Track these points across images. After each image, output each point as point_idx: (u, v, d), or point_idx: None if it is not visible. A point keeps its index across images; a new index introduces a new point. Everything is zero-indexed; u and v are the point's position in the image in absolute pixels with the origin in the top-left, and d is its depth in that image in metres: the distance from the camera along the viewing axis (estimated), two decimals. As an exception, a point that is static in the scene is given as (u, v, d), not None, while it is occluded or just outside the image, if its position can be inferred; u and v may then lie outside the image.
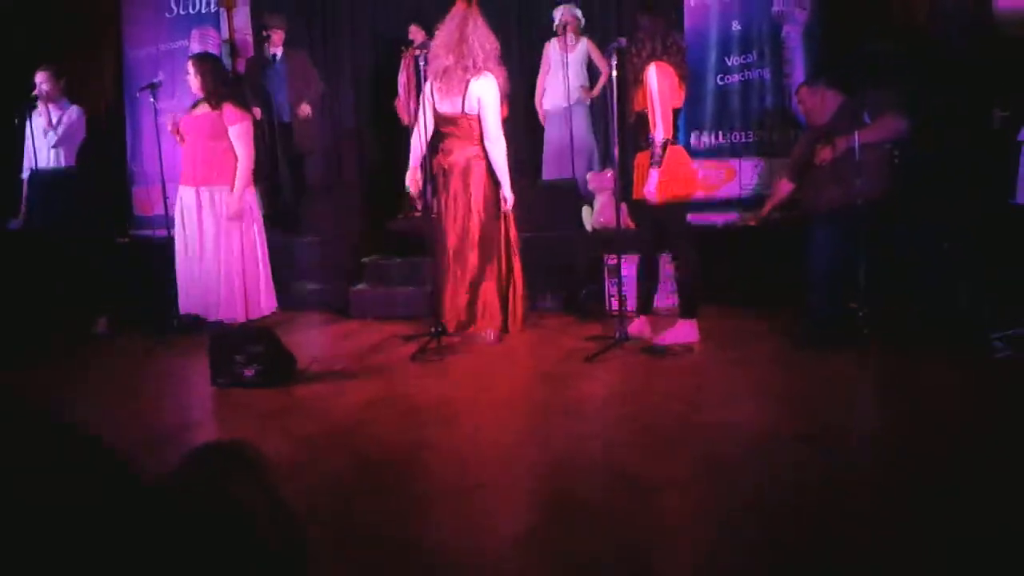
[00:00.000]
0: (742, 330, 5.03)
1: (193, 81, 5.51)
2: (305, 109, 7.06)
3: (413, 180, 5.14)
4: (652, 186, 4.49)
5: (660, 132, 4.46)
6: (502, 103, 5.20)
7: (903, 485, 2.72)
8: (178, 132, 5.50)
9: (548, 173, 7.24)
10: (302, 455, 3.28)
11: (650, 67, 4.50)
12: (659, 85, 4.46)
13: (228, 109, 5.53)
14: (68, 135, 5.84)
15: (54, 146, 5.79)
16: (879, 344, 4.36)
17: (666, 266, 5.28)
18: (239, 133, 5.53)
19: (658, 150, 4.47)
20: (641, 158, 4.66)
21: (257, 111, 6.99)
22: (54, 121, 5.78)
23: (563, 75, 6.99)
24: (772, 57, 6.06)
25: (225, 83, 5.64)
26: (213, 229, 5.48)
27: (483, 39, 4.94)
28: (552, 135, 7.21)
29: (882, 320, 4.49)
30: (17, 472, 0.64)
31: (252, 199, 5.71)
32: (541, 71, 7.33)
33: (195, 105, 5.61)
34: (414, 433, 3.52)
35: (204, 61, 5.63)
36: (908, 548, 2.25)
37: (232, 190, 5.51)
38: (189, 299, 5.50)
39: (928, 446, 3.06)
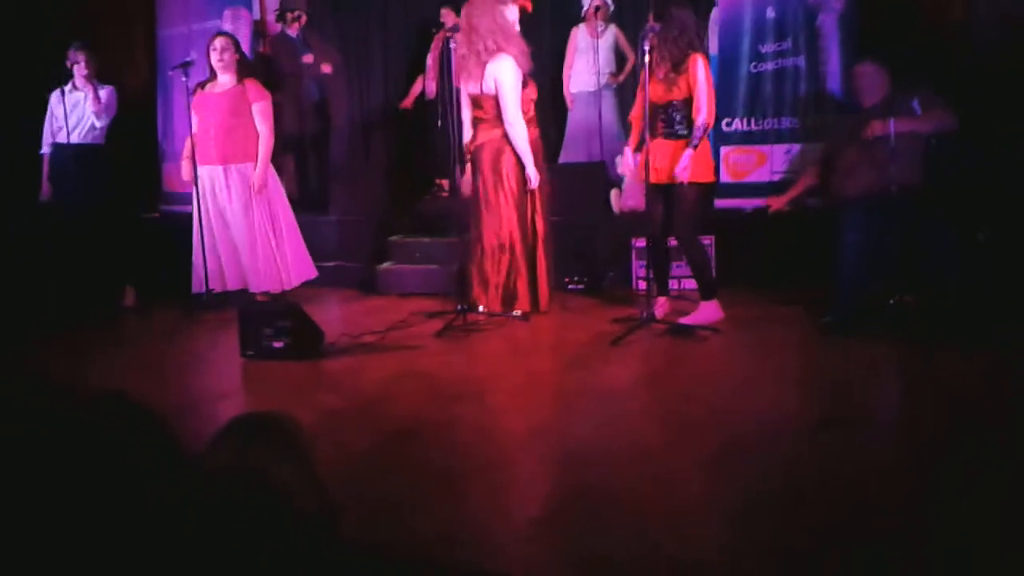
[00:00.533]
0: (769, 315, 5.00)
1: (223, 56, 5.48)
2: (326, 67, 7.23)
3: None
4: (685, 165, 4.60)
5: (704, 116, 4.64)
6: (528, 83, 5.20)
7: (926, 475, 2.70)
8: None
9: (566, 156, 7.28)
10: (327, 428, 3.31)
11: (697, 58, 4.67)
12: (706, 74, 4.67)
13: (252, 86, 5.56)
14: (109, 115, 5.93)
15: (101, 126, 5.87)
16: (908, 333, 4.33)
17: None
18: (263, 110, 5.55)
19: (699, 132, 4.64)
20: (659, 144, 4.74)
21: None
22: (102, 99, 5.84)
23: (592, 60, 7.07)
24: (807, 45, 5.99)
25: (246, 60, 5.68)
26: (239, 205, 5.51)
27: (492, 22, 4.95)
28: (577, 118, 7.31)
29: (913, 309, 4.45)
30: (71, 441, 0.66)
31: (273, 174, 5.73)
32: (568, 56, 7.35)
33: (206, 82, 5.56)
34: (437, 410, 3.54)
35: (232, 37, 5.68)
36: (928, 539, 2.25)
37: (255, 166, 5.53)
38: (217, 274, 5.53)
39: (951, 438, 3.03)
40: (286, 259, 5.64)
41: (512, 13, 5.06)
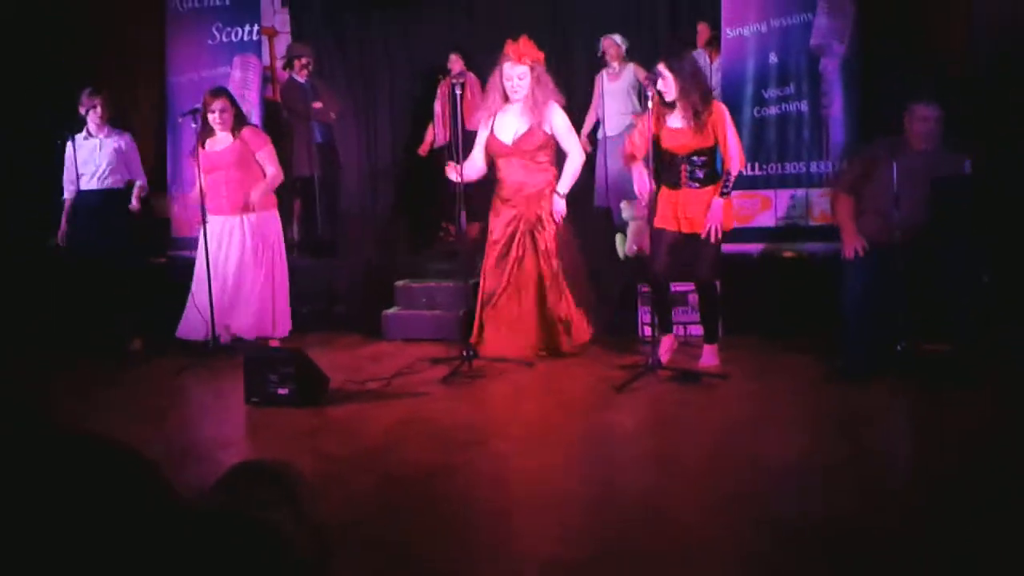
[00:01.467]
0: (776, 361, 4.98)
1: (221, 116, 5.52)
2: (332, 113, 7.29)
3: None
4: (718, 214, 4.62)
5: (736, 164, 4.64)
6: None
7: (936, 520, 2.67)
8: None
9: (598, 200, 7.30)
10: (331, 475, 3.29)
11: (721, 106, 4.71)
12: (732, 121, 4.69)
13: (249, 135, 5.63)
14: (132, 161, 6.01)
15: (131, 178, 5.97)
16: (916, 379, 4.29)
17: (690, 296, 5.32)
18: (267, 155, 5.65)
19: (731, 181, 4.65)
20: (688, 195, 4.73)
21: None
22: (123, 147, 5.94)
23: (609, 103, 7.15)
24: (810, 90, 6.04)
25: (241, 113, 5.75)
26: (250, 254, 5.57)
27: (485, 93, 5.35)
28: (599, 164, 7.30)
29: (921, 355, 4.42)
30: (61, 488, 0.65)
31: (276, 223, 5.78)
32: (592, 102, 7.42)
33: (203, 138, 5.57)
34: (442, 456, 3.52)
35: (228, 95, 5.73)
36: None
37: (269, 215, 5.63)
38: (223, 320, 5.54)
39: (960, 482, 3.00)
40: (280, 310, 5.70)
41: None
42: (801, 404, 4.21)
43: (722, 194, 4.64)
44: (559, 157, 5.37)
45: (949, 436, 3.57)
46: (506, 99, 5.22)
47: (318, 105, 7.21)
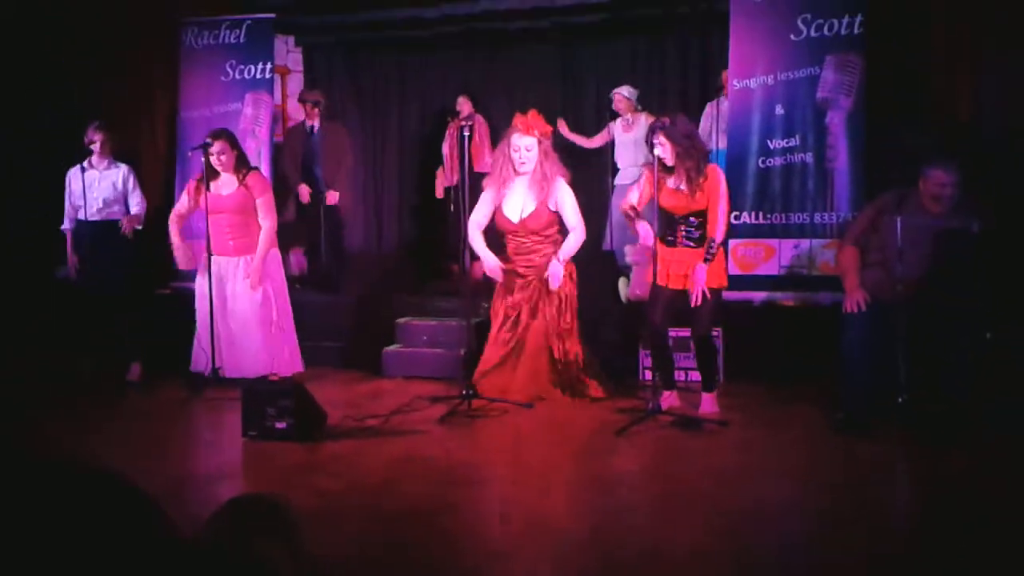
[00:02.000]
0: (776, 409, 4.96)
1: (220, 158, 5.56)
2: (333, 196, 7.24)
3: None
4: (702, 278, 4.62)
5: (720, 233, 4.67)
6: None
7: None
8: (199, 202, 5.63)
9: (607, 244, 7.38)
10: (327, 511, 3.27)
11: (717, 170, 4.74)
12: (725, 187, 4.71)
13: (253, 181, 5.69)
14: (130, 193, 6.05)
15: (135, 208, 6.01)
16: (916, 433, 4.27)
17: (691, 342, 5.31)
18: (265, 203, 5.71)
19: (714, 248, 4.65)
20: (681, 253, 4.78)
21: (303, 189, 7.25)
22: (130, 185, 6.00)
23: (623, 153, 7.30)
24: (815, 142, 6.09)
25: (243, 155, 5.79)
26: (249, 293, 5.62)
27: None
28: (613, 207, 7.39)
29: (921, 408, 4.39)
30: (56, 520, 0.65)
31: (277, 262, 5.83)
32: (600, 132, 7.55)
33: (208, 179, 5.59)
34: (438, 496, 3.50)
35: (231, 136, 5.77)
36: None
37: (270, 255, 5.70)
38: (223, 356, 5.55)
39: (952, 539, 2.97)
40: (282, 349, 5.72)
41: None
42: (800, 454, 4.18)
43: (705, 260, 4.65)
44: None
45: (946, 492, 3.54)
46: (514, 171, 5.26)
47: (332, 199, 7.21)
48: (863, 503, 3.42)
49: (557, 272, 5.22)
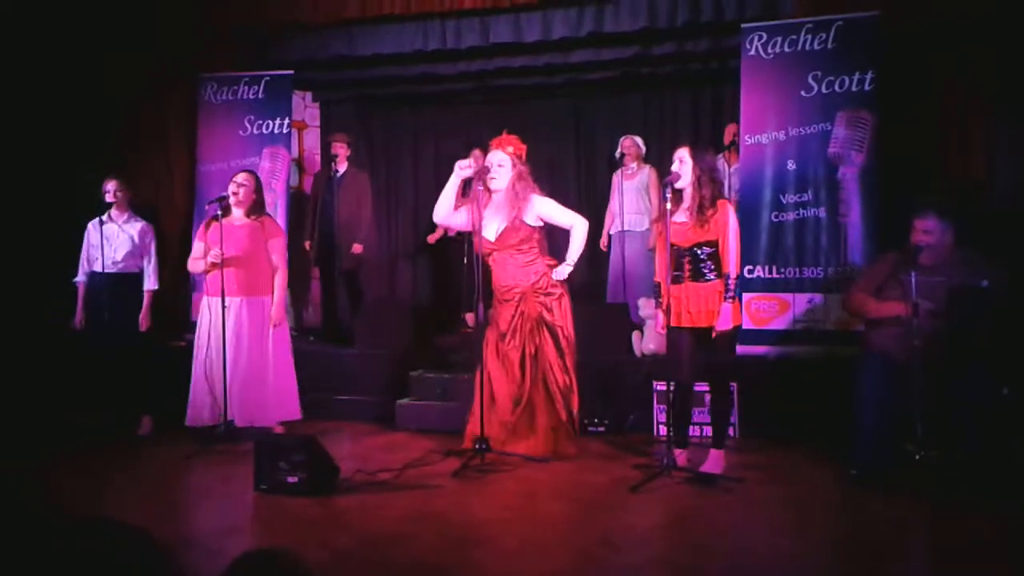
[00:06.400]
0: (792, 466, 4.90)
1: (238, 191, 5.60)
2: (357, 248, 7.36)
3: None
4: (728, 317, 4.54)
5: (734, 267, 4.57)
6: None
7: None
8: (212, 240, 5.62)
9: (610, 296, 7.39)
10: (338, 567, 3.24)
11: (727, 204, 4.66)
12: (736, 223, 4.64)
13: (269, 222, 5.75)
14: (146, 249, 6.11)
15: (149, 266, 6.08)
16: (931, 488, 4.20)
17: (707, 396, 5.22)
18: (277, 246, 5.74)
19: (732, 285, 4.56)
20: (690, 288, 4.67)
21: (307, 245, 7.39)
22: (149, 246, 6.08)
23: (627, 200, 7.31)
24: (828, 197, 6.11)
25: (262, 201, 5.84)
26: (256, 337, 5.60)
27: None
28: (613, 259, 7.45)
29: (940, 464, 4.33)
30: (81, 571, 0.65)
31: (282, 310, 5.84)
32: (609, 204, 7.59)
33: (218, 216, 5.56)
34: (451, 553, 3.46)
35: (258, 178, 5.87)
36: None
37: (273, 300, 5.67)
38: (233, 405, 5.51)
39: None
40: (286, 391, 5.71)
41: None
42: (816, 513, 4.13)
43: (727, 298, 4.56)
44: (554, 243, 5.44)
45: (961, 550, 3.48)
46: (486, 188, 5.23)
47: (357, 249, 7.34)
48: (879, 565, 3.36)
49: (563, 272, 5.19)
